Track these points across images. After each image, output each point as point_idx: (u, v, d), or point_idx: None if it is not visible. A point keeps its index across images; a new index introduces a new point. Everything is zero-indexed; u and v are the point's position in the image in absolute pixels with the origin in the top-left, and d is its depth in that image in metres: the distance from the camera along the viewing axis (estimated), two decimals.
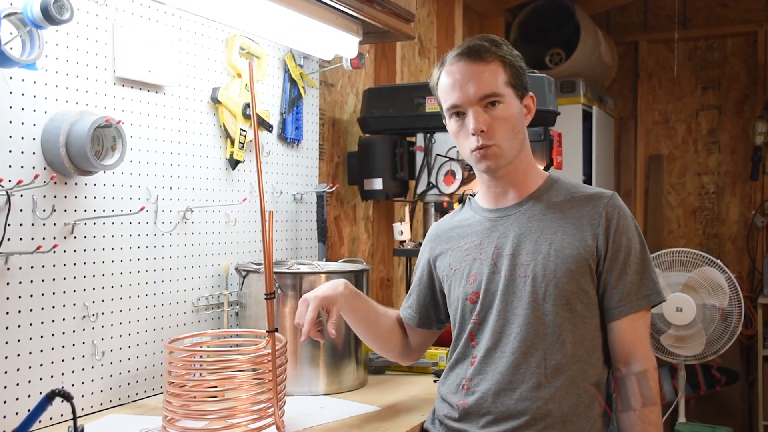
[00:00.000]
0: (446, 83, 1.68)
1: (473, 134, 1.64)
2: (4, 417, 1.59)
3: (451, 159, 2.59)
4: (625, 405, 1.65)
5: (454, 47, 1.71)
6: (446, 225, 1.86)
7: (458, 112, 1.67)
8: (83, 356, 1.78)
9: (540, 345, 1.61)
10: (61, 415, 1.70)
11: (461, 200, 1.93)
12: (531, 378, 1.61)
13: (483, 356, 1.67)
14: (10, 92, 1.61)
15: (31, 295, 1.65)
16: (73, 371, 1.75)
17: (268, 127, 2.38)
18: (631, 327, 1.64)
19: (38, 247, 1.63)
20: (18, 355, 1.62)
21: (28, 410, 1.59)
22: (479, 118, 1.63)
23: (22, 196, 1.62)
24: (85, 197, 1.78)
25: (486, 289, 1.68)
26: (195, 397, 1.59)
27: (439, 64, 1.73)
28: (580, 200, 1.69)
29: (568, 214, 1.68)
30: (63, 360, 1.73)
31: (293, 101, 2.53)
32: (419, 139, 2.70)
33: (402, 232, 2.69)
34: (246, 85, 2.24)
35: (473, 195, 1.85)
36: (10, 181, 1.59)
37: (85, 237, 1.78)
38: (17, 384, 1.62)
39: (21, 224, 1.63)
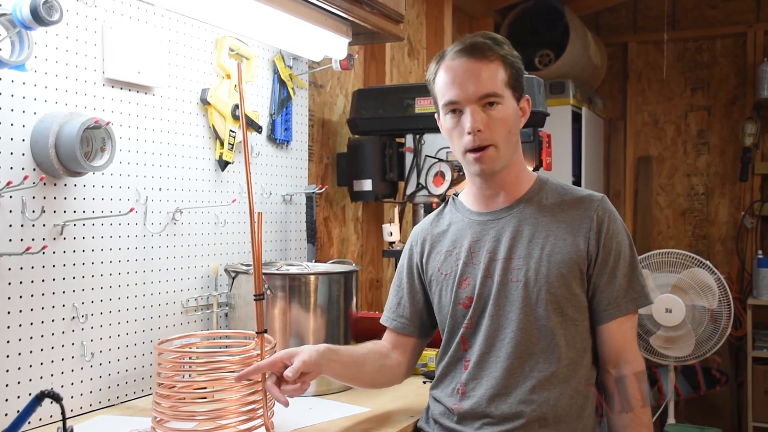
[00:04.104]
0: (444, 79, 1.64)
1: (469, 133, 1.60)
2: None
3: (440, 160, 2.60)
4: (616, 407, 1.65)
5: (455, 42, 1.67)
6: (431, 227, 1.83)
7: (455, 110, 1.63)
8: (72, 357, 1.78)
9: (533, 349, 1.62)
10: (51, 416, 1.69)
11: (443, 200, 1.90)
12: (525, 382, 1.61)
13: (477, 361, 1.66)
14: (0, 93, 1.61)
15: (20, 296, 1.65)
16: (62, 372, 1.75)
17: (258, 128, 2.38)
18: (619, 330, 1.65)
19: (27, 248, 1.62)
20: (7, 356, 1.62)
21: (17, 411, 1.59)
22: (477, 116, 1.60)
23: (11, 197, 1.62)
24: (75, 198, 1.78)
25: (479, 293, 1.67)
26: (184, 399, 1.58)
27: (437, 57, 1.68)
28: (571, 203, 1.69)
29: (560, 217, 1.67)
30: (52, 361, 1.72)
31: (282, 102, 2.53)
32: (408, 140, 2.70)
33: (391, 233, 2.69)
34: (235, 86, 2.24)
35: (456, 195, 1.83)
36: None
37: (74, 238, 1.78)
38: (6, 385, 1.62)
39: (10, 225, 1.63)
